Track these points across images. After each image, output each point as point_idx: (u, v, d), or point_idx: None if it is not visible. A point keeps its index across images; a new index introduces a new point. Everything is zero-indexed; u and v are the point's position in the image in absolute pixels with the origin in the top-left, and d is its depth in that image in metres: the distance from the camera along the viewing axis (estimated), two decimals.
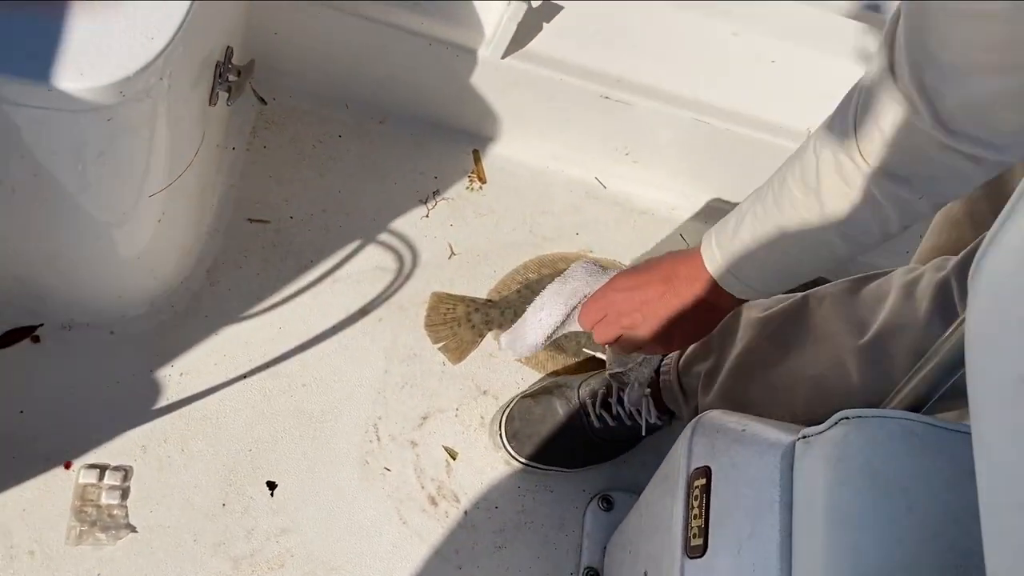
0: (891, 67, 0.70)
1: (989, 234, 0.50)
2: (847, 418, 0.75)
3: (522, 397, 1.24)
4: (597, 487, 1.25)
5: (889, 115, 0.71)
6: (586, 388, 1.22)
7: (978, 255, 0.51)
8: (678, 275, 0.89)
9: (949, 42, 0.63)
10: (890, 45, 0.70)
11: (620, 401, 1.19)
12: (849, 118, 0.75)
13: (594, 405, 1.20)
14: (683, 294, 0.89)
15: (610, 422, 1.19)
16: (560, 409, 1.21)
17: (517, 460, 1.21)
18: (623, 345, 0.96)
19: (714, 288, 0.87)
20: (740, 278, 0.85)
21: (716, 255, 0.86)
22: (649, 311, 0.91)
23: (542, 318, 1.03)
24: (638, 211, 1.49)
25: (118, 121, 0.80)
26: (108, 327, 1.19)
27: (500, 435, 1.22)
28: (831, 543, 0.70)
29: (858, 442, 0.73)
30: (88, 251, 1.05)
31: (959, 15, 0.60)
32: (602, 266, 1.04)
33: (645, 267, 0.94)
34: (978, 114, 0.67)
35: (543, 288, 1.12)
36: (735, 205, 0.88)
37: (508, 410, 1.23)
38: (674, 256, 0.92)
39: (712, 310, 0.90)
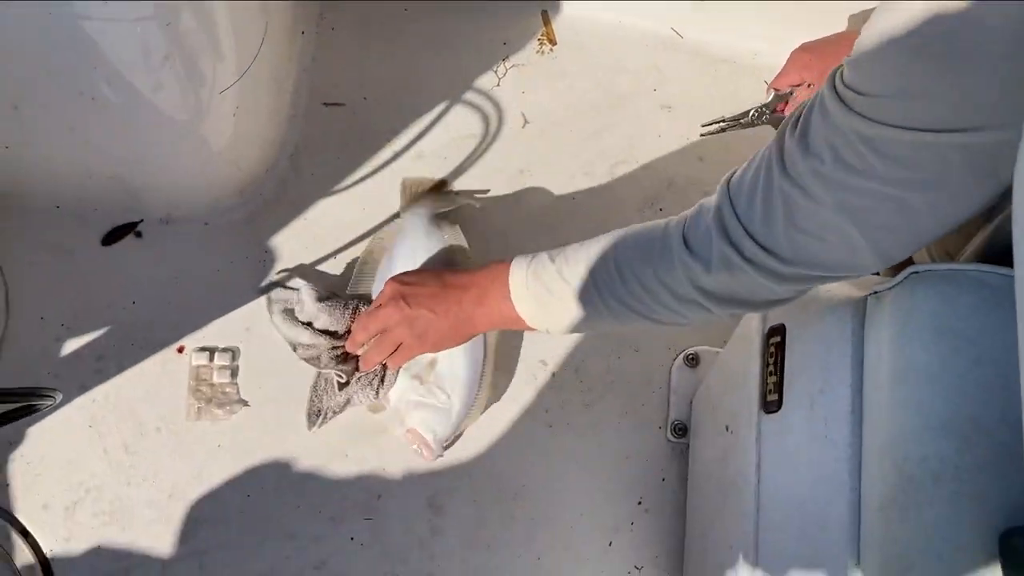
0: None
1: None
2: (917, 272, 0.74)
3: None
4: (682, 344, 1.27)
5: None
6: None
7: None
8: (464, 304, 0.97)
9: None
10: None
11: None
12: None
13: None
14: (466, 318, 0.98)
15: None
16: None
17: None
18: (395, 360, 1.07)
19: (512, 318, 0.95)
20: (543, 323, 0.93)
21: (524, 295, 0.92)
22: (429, 330, 1.00)
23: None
24: (719, 60, 1.43)
25: (177, 24, 0.82)
26: (202, 219, 1.25)
27: None
28: (896, 398, 0.70)
29: (927, 296, 0.72)
30: (172, 149, 1.10)
31: None
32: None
33: (431, 291, 1.00)
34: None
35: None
36: None
37: None
38: (460, 288, 0.98)
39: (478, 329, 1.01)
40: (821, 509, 0.77)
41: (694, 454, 1.20)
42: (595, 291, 0.85)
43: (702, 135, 1.18)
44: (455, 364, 1.13)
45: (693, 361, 1.26)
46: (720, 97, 1.39)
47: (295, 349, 1.16)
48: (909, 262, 0.77)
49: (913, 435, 0.68)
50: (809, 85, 1.06)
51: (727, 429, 1.02)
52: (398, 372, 1.15)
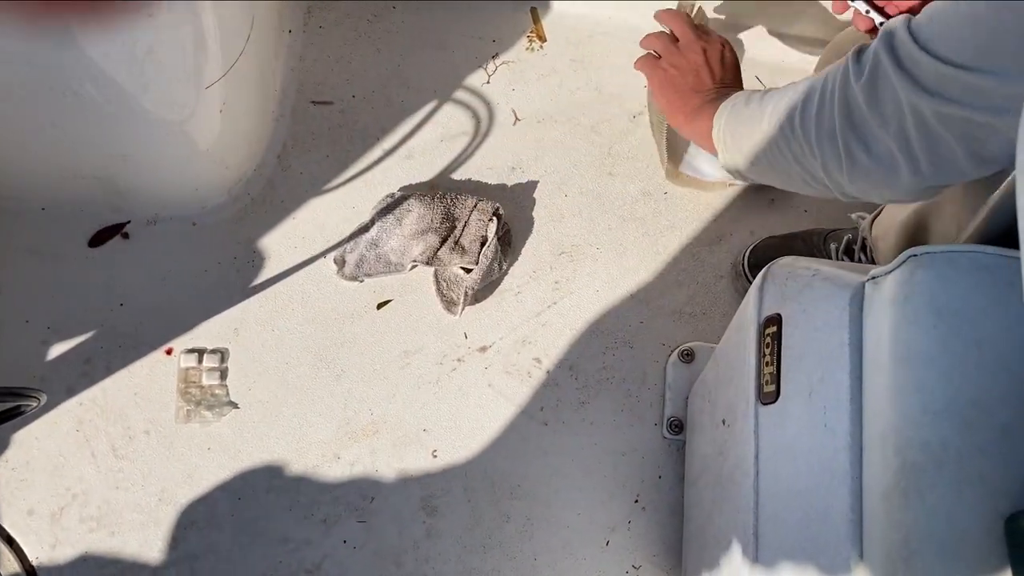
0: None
1: None
2: (915, 255, 0.73)
3: (768, 238, 1.30)
4: (677, 340, 1.26)
5: None
6: (832, 238, 1.23)
7: None
8: (698, 105, 0.97)
9: None
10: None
11: (864, 249, 1.17)
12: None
13: (836, 251, 1.21)
14: (694, 111, 0.98)
15: None
16: (800, 251, 1.25)
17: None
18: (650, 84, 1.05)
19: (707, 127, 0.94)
20: (724, 151, 0.91)
21: (722, 122, 0.90)
22: (672, 94, 1.01)
23: None
24: None
25: (160, 16, 0.81)
26: (190, 219, 1.24)
27: (743, 267, 1.29)
28: (896, 383, 0.69)
29: (925, 279, 0.71)
30: (157, 146, 1.09)
31: None
32: None
33: (698, 66, 1.01)
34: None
35: None
36: None
37: (752, 247, 1.29)
38: (712, 90, 0.98)
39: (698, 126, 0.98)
40: (822, 499, 0.76)
41: (691, 450, 1.18)
42: (767, 110, 0.83)
43: None
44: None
45: (688, 357, 1.25)
46: None
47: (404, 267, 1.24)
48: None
49: (914, 420, 0.67)
50: None
51: (724, 423, 1.01)
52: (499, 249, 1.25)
